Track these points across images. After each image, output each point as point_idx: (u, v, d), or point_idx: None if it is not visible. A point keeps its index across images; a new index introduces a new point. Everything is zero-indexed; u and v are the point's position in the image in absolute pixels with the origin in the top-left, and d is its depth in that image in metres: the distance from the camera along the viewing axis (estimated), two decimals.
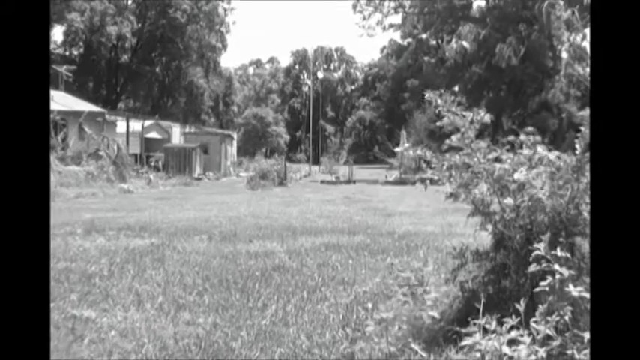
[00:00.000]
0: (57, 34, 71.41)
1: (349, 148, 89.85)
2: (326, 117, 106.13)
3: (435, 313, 5.05)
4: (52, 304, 7.68)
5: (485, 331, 4.14)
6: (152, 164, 42.91)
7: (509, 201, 5.52)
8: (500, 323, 4.08)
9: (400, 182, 37.73)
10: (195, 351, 6.04)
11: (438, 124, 6.17)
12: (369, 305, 6.42)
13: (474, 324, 4.27)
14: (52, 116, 30.22)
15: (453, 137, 5.92)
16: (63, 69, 55.74)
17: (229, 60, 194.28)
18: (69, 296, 8.16)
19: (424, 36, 74.74)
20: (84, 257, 10.91)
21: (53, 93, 39.73)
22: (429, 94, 6.16)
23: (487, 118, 5.93)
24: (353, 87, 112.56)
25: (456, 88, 56.83)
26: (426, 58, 74.88)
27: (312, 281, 9.08)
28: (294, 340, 6.35)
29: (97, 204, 22.81)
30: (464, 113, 5.95)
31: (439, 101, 6.01)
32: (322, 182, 43.27)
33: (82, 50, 71.96)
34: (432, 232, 14.03)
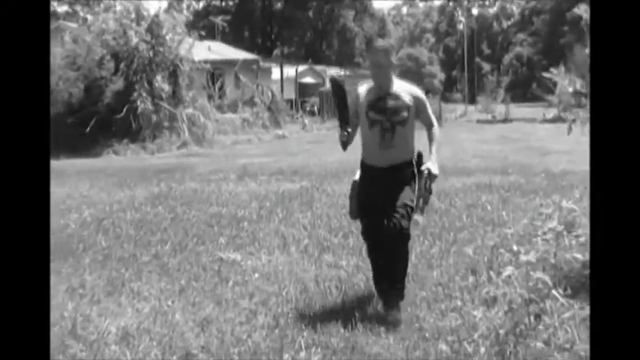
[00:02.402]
0: None
1: (506, 86, 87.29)
2: (482, 55, 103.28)
3: (580, 256, 4.72)
4: (200, 248, 7.90)
5: None
6: (307, 109, 43.26)
7: None
8: None
9: (559, 120, 36.30)
10: (336, 293, 6.00)
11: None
12: (515, 248, 6.15)
13: None
14: (208, 67, 30.98)
15: None
16: (218, 20, 56.88)
17: (383, 1, 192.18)
18: (218, 240, 8.34)
19: None
20: (234, 202, 11.13)
21: (210, 43, 40.67)
22: None
23: None
24: (509, 22, 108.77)
25: None
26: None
27: (460, 222, 8.85)
28: (437, 283, 6.19)
29: (252, 150, 23.30)
30: None
31: None
32: (478, 121, 42.39)
33: (237, 0, 73.17)
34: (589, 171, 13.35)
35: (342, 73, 56.19)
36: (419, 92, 5.57)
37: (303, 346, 4.71)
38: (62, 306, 5.85)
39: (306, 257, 7.35)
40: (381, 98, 5.42)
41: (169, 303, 5.88)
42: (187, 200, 11.39)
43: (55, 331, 5.23)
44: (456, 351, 4.44)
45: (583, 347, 3.82)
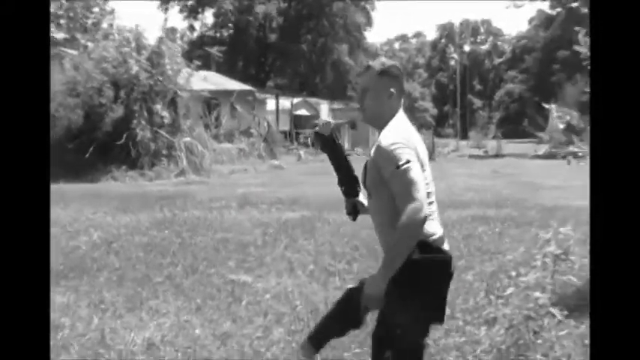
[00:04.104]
0: (208, 17, 73.81)
1: (497, 122, 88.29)
2: (473, 91, 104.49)
3: (575, 279, 5.16)
4: (211, 270, 8.27)
5: None
6: (301, 140, 43.82)
7: None
8: None
9: (550, 156, 36.89)
10: None
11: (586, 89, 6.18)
12: (513, 273, 6.53)
13: None
14: (206, 94, 31.50)
15: None
16: (214, 50, 57.64)
17: (375, 36, 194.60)
18: (227, 263, 8.72)
19: (574, 4, 72.23)
20: (238, 229, 11.50)
21: (206, 74, 41.21)
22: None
23: None
24: (500, 60, 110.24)
25: None
26: (576, 28, 72.35)
27: (458, 252, 9.24)
28: None
29: (249, 179, 23.66)
30: None
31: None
32: (470, 156, 42.91)
33: (231, 31, 73.97)
34: (582, 206, 13.78)
35: (335, 106, 56.77)
36: (382, 141, 3.46)
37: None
38: (88, 319, 6.23)
39: (313, 281, 7.73)
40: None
41: (188, 318, 6.26)
42: (192, 226, 11.75)
43: (84, 342, 5.62)
44: None
45: (576, 358, 4.23)
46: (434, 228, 3.46)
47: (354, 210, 3.94)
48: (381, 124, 3.56)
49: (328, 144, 3.94)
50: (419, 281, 3.39)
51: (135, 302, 6.90)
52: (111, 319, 6.31)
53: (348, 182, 3.93)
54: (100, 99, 24.65)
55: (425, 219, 3.27)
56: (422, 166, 3.42)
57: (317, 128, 3.97)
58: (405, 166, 3.29)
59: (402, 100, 3.65)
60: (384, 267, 3.31)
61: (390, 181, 3.35)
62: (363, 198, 3.87)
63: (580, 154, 7.80)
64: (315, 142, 4.02)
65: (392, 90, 3.56)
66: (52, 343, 5.60)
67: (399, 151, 3.33)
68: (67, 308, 6.68)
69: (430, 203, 3.43)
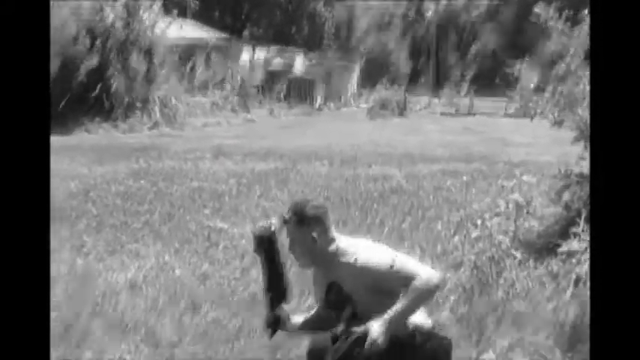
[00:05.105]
0: None
1: (471, 79, 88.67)
2: (448, 46, 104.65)
3: (536, 223, 5.47)
4: (187, 217, 8.52)
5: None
6: (274, 95, 43.85)
7: None
8: None
9: (519, 114, 37.18)
10: None
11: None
12: (479, 221, 6.85)
13: (573, 234, 4.67)
14: (180, 49, 31.25)
15: (557, 66, 6.21)
16: None
17: None
18: (202, 211, 8.97)
19: None
20: (213, 178, 11.73)
21: (181, 22, 40.90)
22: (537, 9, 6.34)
23: None
24: (476, 13, 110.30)
25: (586, 12, 53.99)
26: None
27: (428, 202, 9.56)
28: (408, 251, 6.86)
29: (222, 132, 23.77)
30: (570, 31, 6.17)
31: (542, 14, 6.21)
32: (442, 114, 43.14)
33: None
34: (548, 161, 14.14)
35: (310, 58, 56.47)
36: (358, 261, 3.32)
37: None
38: (71, 261, 6.46)
39: None
40: (329, 288, 3.46)
41: (167, 260, 6.53)
42: (168, 176, 11.95)
43: (68, 280, 5.87)
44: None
45: (534, 294, 4.57)
46: (423, 318, 3.38)
47: (276, 323, 3.49)
48: (318, 263, 3.44)
49: (266, 247, 3.47)
50: None
51: (115, 246, 7.15)
52: (93, 261, 6.56)
53: (277, 289, 3.48)
54: (75, 47, 24.35)
55: (438, 285, 3.33)
56: None
57: (256, 231, 3.54)
58: (396, 261, 3.25)
59: (332, 233, 3.41)
60: (395, 314, 3.17)
61: (391, 281, 3.24)
62: (288, 311, 3.53)
63: (539, 110, 7.97)
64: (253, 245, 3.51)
65: (314, 235, 3.36)
66: None
67: (382, 256, 3.29)
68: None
69: None
